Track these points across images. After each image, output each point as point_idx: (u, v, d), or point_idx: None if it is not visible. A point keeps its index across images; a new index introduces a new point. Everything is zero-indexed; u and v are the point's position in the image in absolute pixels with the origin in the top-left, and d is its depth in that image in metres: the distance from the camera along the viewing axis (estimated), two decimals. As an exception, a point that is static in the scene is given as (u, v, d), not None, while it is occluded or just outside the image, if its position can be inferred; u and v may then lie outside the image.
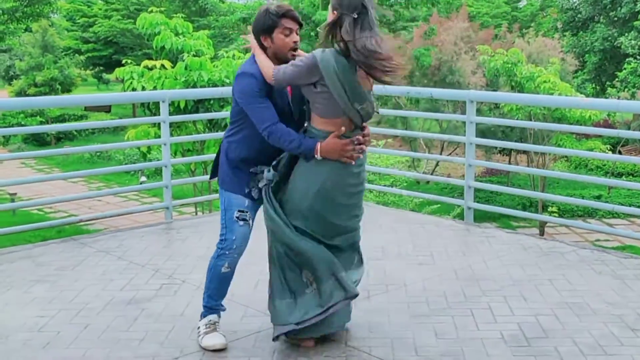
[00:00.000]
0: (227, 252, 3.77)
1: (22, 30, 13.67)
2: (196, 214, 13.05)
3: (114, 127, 33.32)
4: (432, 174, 17.98)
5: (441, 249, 5.40)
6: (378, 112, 3.78)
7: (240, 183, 3.75)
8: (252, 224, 3.83)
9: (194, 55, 12.97)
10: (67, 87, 39.17)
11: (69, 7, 41.93)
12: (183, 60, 12.82)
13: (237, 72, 3.66)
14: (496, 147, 20.40)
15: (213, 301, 3.88)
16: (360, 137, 3.59)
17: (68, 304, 4.48)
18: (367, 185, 11.30)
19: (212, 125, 13.61)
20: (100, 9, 41.17)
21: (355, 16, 3.40)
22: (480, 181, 11.57)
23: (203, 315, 3.88)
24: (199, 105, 12.64)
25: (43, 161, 34.01)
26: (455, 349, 3.74)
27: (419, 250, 5.41)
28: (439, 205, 14.94)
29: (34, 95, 37.55)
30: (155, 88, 12.53)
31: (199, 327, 3.86)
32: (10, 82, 42.22)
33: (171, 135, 9.82)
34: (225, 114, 12.64)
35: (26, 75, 39.64)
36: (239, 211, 3.76)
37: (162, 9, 14.89)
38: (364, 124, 3.63)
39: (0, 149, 29.21)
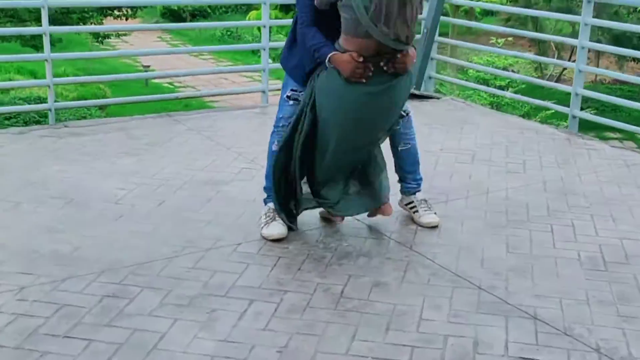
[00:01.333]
0: (275, 129, 3.78)
1: None
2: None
3: (247, 6, 33.54)
4: (557, 80, 17.00)
5: (535, 158, 5.10)
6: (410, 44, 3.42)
7: (296, 66, 3.66)
8: None
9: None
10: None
11: None
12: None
13: None
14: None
15: (270, 183, 3.81)
16: (381, 63, 3.34)
17: (149, 178, 4.57)
18: (476, 86, 10.81)
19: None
20: None
21: None
22: (604, 92, 10.73)
23: (265, 202, 3.85)
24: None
25: (178, 37, 34.84)
26: (524, 265, 3.54)
27: (511, 157, 5.13)
28: (553, 112, 14.12)
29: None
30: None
31: (261, 216, 3.84)
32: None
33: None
34: None
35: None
36: (292, 90, 3.72)
37: None
38: (406, 47, 3.36)
39: (136, 21, 29.91)
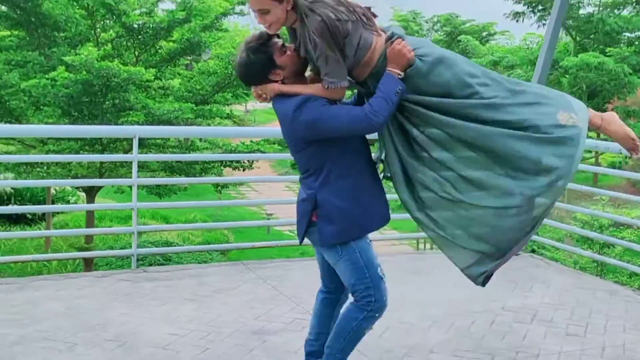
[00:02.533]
0: (376, 315, 3.31)
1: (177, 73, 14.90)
2: (417, 248, 13.01)
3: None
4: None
5: (600, 322, 4.84)
6: None
7: (363, 222, 3.28)
8: None
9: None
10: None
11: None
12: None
13: (286, 112, 3.15)
14: None
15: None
16: None
17: (203, 325, 4.71)
18: (561, 245, 10.34)
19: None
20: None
21: None
22: None
23: None
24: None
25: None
26: None
27: (575, 319, 4.90)
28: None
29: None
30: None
31: None
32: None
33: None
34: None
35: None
36: (378, 265, 3.32)
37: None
38: None
39: (254, 171, 31.48)
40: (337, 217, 3.23)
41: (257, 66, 3.17)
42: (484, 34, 31.17)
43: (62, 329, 4.59)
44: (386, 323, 4.71)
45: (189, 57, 15.20)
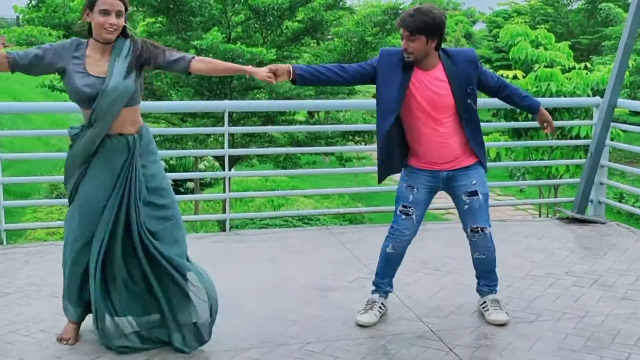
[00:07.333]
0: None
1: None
2: (547, 215, 12.85)
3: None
4: None
5: (664, 287, 4.77)
6: None
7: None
8: None
9: (545, 66, 12.79)
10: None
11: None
12: (535, 71, 12.74)
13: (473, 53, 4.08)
14: None
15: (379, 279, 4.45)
16: None
17: (273, 280, 5.05)
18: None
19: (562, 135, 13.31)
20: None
21: None
22: None
23: (372, 292, 4.45)
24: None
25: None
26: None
27: (638, 284, 4.84)
28: None
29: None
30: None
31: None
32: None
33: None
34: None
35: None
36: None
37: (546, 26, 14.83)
38: None
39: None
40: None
41: None
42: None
43: (149, 282, 5.11)
44: (443, 283, 4.94)
45: (314, 37, 15.60)
